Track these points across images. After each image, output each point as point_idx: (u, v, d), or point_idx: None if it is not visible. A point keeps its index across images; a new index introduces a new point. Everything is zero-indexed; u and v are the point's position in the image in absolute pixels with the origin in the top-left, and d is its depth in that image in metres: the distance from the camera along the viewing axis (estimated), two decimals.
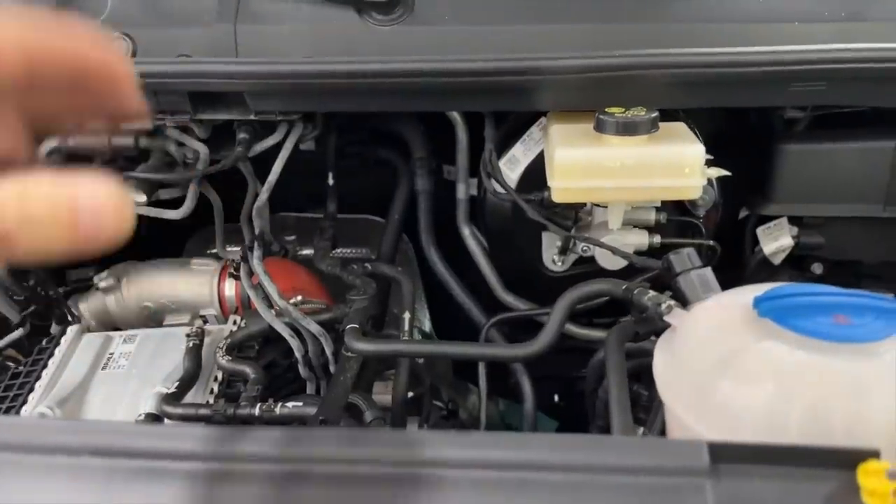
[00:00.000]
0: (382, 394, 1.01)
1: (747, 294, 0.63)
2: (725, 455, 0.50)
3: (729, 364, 0.59)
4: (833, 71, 0.85)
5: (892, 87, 0.87)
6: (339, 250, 1.32)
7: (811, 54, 0.84)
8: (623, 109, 0.83)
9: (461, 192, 1.11)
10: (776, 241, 1.04)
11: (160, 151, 0.95)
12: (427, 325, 1.38)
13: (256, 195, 1.00)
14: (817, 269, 1.09)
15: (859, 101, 0.91)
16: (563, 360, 1.11)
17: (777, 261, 1.07)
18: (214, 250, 1.21)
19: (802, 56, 0.84)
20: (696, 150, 0.80)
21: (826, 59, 0.84)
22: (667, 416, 0.66)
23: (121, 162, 0.97)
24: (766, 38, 0.87)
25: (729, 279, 1.17)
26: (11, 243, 0.29)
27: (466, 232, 1.13)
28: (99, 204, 0.30)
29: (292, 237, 1.29)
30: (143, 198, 0.93)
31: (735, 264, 1.14)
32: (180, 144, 0.97)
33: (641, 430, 0.90)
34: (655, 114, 0.82)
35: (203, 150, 0.95)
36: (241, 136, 0.94)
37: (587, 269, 1.05)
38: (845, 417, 0.53)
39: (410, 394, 1.00)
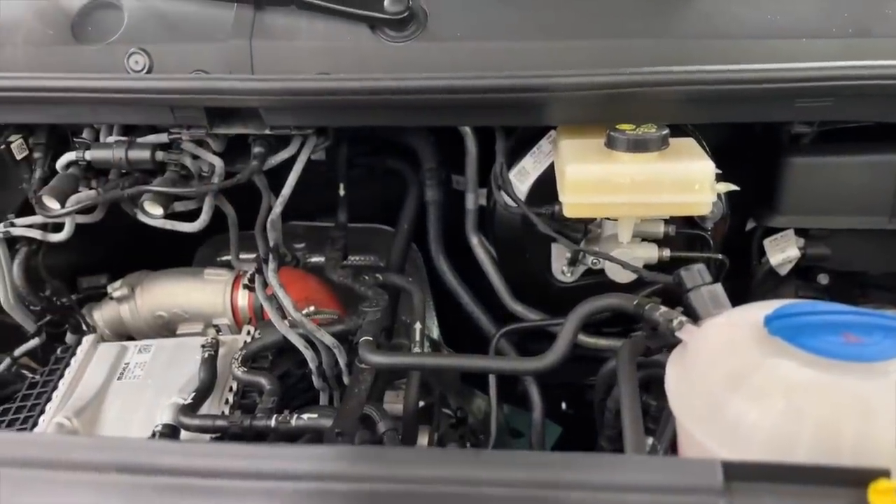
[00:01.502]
0: (393, 403, 1.03)
1: (757, 311, 0.64)
2: (739, 474, 0.51)
3: (739, 381, 0.60)
4: (840, 87, 0.86)
5: None
6: (349, 259, 1.33)
7: (818, 71, 0.86)
8: (634, 126, 0.84)
9: (470, 202, 1.13)
10: (783, 252, 1.05)
11: (176, 165, 0.96)
12: (436, 333, 1.39)
13: (270, 207, 1.01)
14: (823, 279, 1.10)
15: (865, 117, 0.93)
16: (572, 368, 1.12)
17: (783, 272, 1.08)
18: (225, 258, 1.22)
19: (809, 73, 0.85)
20: (706, 167, 0.82)
21: (833, 77, 0.86)
22: (678, 431, 0.67)
23: (137, 175, 0.98)
24: (773, 55, 0.88)
25: (736, 289, 1.19)
26: None
27: (475, 241, 1.15)
28: None
29: (302, 245, 1.31)
30: (159, 211, 0.95)
31: (742, 274, 1.15)
32: (196, 158, 0.98)
33: (651, 440, 0.92)
34: (666, 131, 0.84)
35: (219, 163, 0.97)
36: (257, 149, 0.95)
37: (596, 280, 1.06)
38: (854, 436, 0.54)
39: (421, 403, 1.02)
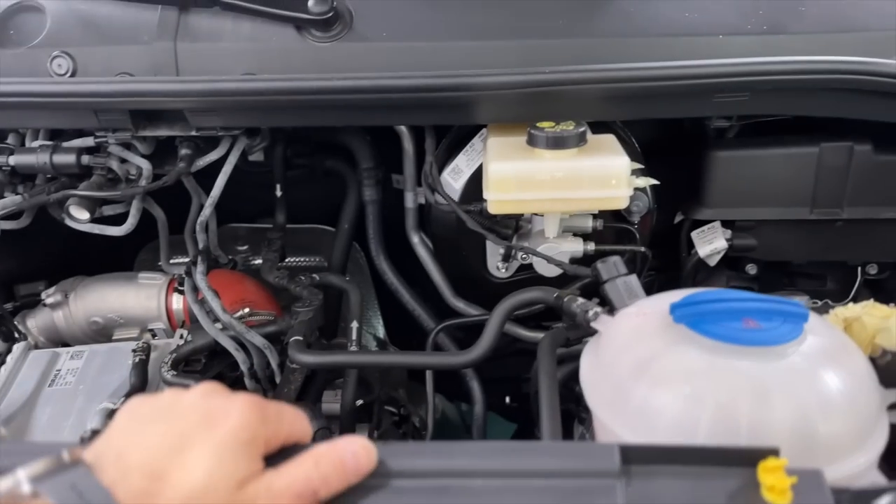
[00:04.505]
0: (332, 402, 1.03)
1: (666, 300, 0.66)
2: (635, 457, 0.52)
3: (646, 368, 0.62)
4: (755, 83, 0.89)
5: (813, 97, 0.92)
6: (291, 260, 1.33)
7: (735, 67, 0.88)
8: (553, 124, 0.86)
9: (409, 201, 1.14)
10: (710, 244, 1.08)
11: (102, 168, 0.96)
12: (381, 332, 1.40)
13: (202, 209, 1.01)
14: (751, 269, 1.13)
15: (781, 111, 0.95)
16: (516, 362, 1.14)
17: (712, 263, 1.11)
18: (177, 260, 1.21)
19: (726, 69, 0.88)
20: (621, 163, 0.84)
21: (749, 72, 0.88)
22: (593, 419, 0.68)
23: (64, 180, 0.97)
24: (691, 52, 0.91)
25: (670, 280, 1.22)
26: (318, 496, 0.47)
27: (416, 240, 1.16)
28: (355, 450, 0.50)
29: (245, 247, 1.30)
30: (85, 215, 0.94)
31: (674, 266, 1.18)
32: (123, 161, 0.97)
33: (581, 429, 0.94)
34: (584, 128, 0.85)
35: (146, 165, 0.96)
36: (183, 151, 0.95)
37: (531, 274, 1.07)
38: (750, 418, 0.56)
39: (360, 401, 1.02)
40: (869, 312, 0.68)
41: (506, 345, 1.13)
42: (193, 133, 0.93)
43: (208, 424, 0.46)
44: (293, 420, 0.51)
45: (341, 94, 0.86)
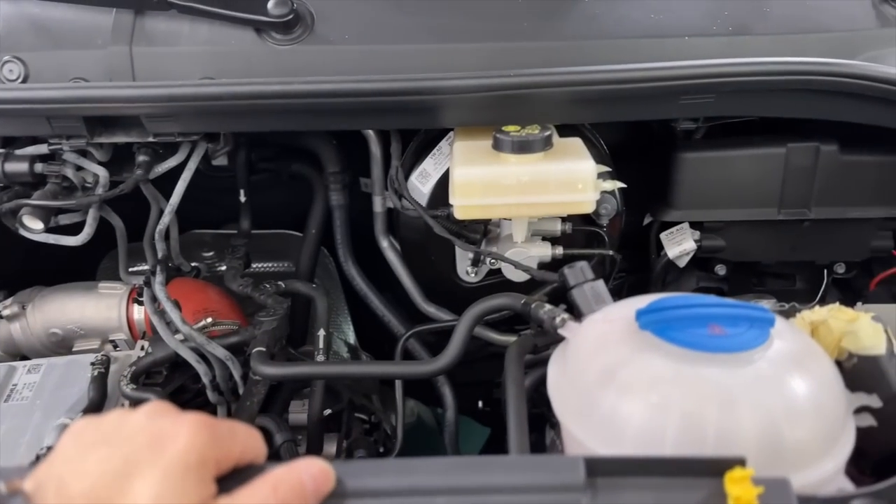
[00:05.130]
0: (299, 412, 1.01)
1: (633, 306, 0.65)
2: (601, 469, 0.51)
3: (612, 376, 0.61)
4: (721, 84, 0.88)
5: (778, 97, 0.92)
6: (258, 266, 1.31)
7: (700, 69, 0.88)
8: (518, 128, 0.85)
9: (377, 205, 1.12)
10: (679, 245, 1.08)
11: (57, 177, 0.93)
12: (352, 338, 1.38)
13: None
14: (720, 270, 1.13)
15: (747, 112, 0.95)
16: (489, 366, 1.13)
17: (682, 264, 1.11)
18: (131, 269, 1.19)
19: (692, 71, 0.88)
20: (587, 167, 0.83)
21: (714, 74, 0.88)
22: (561, 429, 0.67)
23: (17, 188, 0.94)
24: (656, 54, 0.91)
25: (640, 282, 1.22)
26: None
27: (385, 244, 1.14)
28: (313, 473, 0.48)
29: (210, 254, 1.28)
30: (39, 225, 0.91)
31: (644, 268, 1.18)
32: (79, 168, 0.94)
33: (552, 433, 0.93)
34: (549, 132, 0.84)
35: (103, 173, 0.94)
36: (141, 158, 0.93)
37: (500, 279, 1.06)
38: (717, 426, 0.56)
39: (328, 411, 1.00)
40: (835, 316, 0.68)
41: (478, 349, 1.12)
42: (151, 139, 0.90)
43: (155, 447, 0.44)
44: (246, 439, 0.49)
45: (303, 98, 0.84)
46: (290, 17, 0.87)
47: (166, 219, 0.95)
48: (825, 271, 1.12)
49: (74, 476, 0.44)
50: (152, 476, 0.43)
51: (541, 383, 0.85)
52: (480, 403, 1.31)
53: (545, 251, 0.96)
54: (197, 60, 0.89)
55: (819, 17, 0.98)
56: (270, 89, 0.84)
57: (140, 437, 0.45)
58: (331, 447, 1.01)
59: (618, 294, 1.16)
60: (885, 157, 1.01)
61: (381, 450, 1.10)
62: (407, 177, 1.04)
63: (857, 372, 0.66)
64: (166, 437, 0.45)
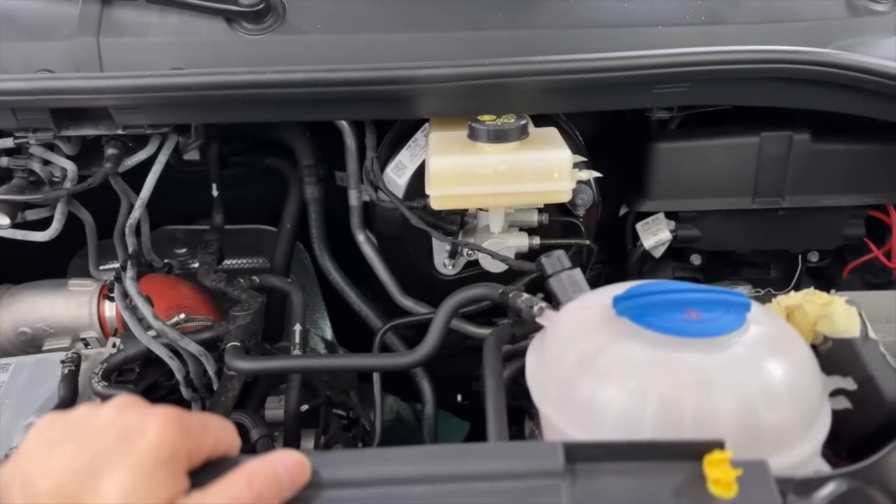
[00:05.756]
0: (276, 408, 1.00)
1: (610, 293, 0.65)
2: (580, 455, 0.51)
3: (590, 363, 0.61)
4: (694, 73, 0.89)
5: (751, 86, 0.92)
6: (232, 262, 1.29)
7: (674, 58, 0.88)
8: (494, 117, 0.84)
9: (353, 198, 1.11)
10: (655, 235, 1.08)
11: (24, 171, 0.91)
12: (329, 333, 1.37)
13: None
14: (696, 259, 1.14)
15: (720, 101, 0.96)
16: (467, 359, 1.12)
17: (658, 254, 1.12)
18: (103, 266, 1.16)
19: (665, 60, 0.88)
20: (563, 156, 0.83)
21: (688, 63, 0.88)
22: (540, 417, 0.67)
23: None
24: (630, 43, 0.90)
25: (616, 272, 1.22)
26: None
27: (361, 238, 1.13)
28: (289, 465, 0.47)
29: (183, 250, 1.26)
30: (6, 220, 0.89)
31: (621, 258, 1.18)
32: (46, 162, 0.92)
33: (531, 424, 0.92)
34: (525, 121, 0.84)
35: (71, 167, 0.92)
36: (110, 151, 0.91)
37: (478, 271, 1.06)
38: (694, 410, 0.56)
39: (305, 406, 0.99)
40: (810, 300, 0.68)
41: (456, 342, 1.12)
42: (120, 132, 0.88)
43: (124, 442, 0.43)
44: (218, 431, 0.48)
45: (274, 89, 0.83)
46: (261, 6, 0.86)
47: (136, 213, 0.93)
48: (799, 259, 1.12)
49: (40, 474, 0.42)
50: (121, 472, 0.42)
51: (519, 374, 0.85)
52: (459, 397, 1.30)
53: (522, 241, 0.96)
54: (166, 51, 0.88)
55: (791, 7, 0.98)
56: (241, 79, 0.82)
57: (108, 432, 0.44)
58: (308, 443, 0.99)
59: (595, 284, 1.15)
60: (856, 146, 1.03)
61: (360, 445, 1.09)
62: (382, 169, 1.03)
63: (832, 355, 0.66)
64: (135, 431, 0.44)
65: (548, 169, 0.82)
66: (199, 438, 0.47)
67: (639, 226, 1.09)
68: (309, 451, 0.49)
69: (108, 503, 0.41)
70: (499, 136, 0.82)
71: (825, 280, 1.17)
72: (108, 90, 0.82)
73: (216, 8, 0.86)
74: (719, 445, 0.51)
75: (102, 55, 0.87)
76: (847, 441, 0.66)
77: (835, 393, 0.64)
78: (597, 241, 1.08)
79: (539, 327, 0.72)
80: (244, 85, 0.82)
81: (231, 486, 0.45)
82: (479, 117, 0.85)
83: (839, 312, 0.66)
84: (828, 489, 0.52)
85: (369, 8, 0.91)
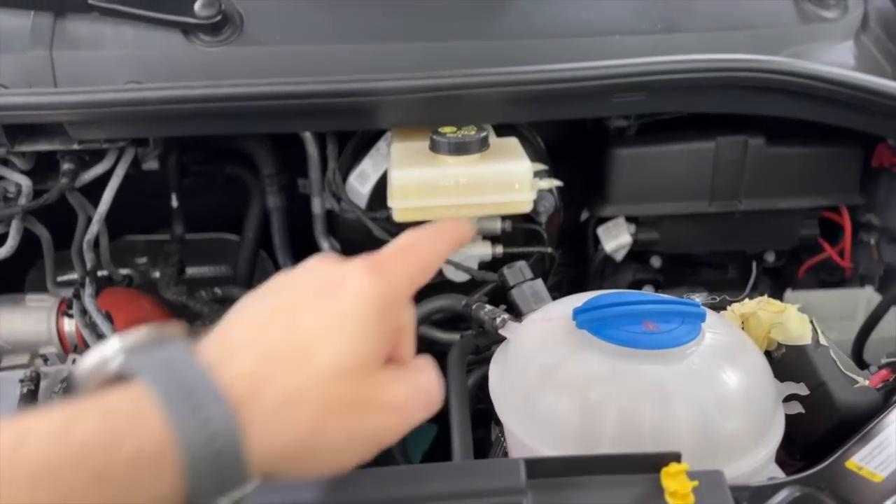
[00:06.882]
0: None
1: (570, 305, 0.66)
2: (540, 471, 0.52)
3: (551, 376, 0.62)
4: (651, 82, 0.90)
5: (706, 94, 0.94)
6: (194, 271, 1.28)
7: (630, 67, 0.89)
8: (455, 129, 0.85)
9: (316, 206, 1.11)
10: (615, 239, 1.10)
11: None
12: None
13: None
14: (656, 262, 1.16)
15: (677, 108, 0.97)
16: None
17: (619, 257, 1.13)
18: (62, 278, 1.14)
19: (622, 69, 0.89)
20: (524, 167, 0.83)
21: (644, 72, 0.89)
22: (504, 430, 0.68)
23: None
24: (588, 53, 0.91)
25: (579, 275, 1.23)
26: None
27: (326, 246, 1.13)
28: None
29: (143, 260, 1.24)
30: None
31: (584, 262, 1.19)
32: (0, 178, 0.90)
33: (497, 430, 0.93)
34: (485, 133, 0.85)
35: (25, 182, 0.90)
36: (66, 166, 0.89)
37: (441, 280, 1.06)
38: (651, 422, 0.57)
39: None
40: (764, 308, 0.70)
41: (423, 349, 1.12)
42: (76, 146, 0.87)
43: (329, 293, 0.40)
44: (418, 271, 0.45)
45: (233, 102, 0.82)
46: (218, 18, 0.85)
47: (94, 228, 0.92)
48: (755, 261, 1.15)
49: (237, 326, 0.39)
50: (332, 323, 0.39)
51: (484, 380, 0.86)
52: None
53: (485, 250, 0.96)
54: (122, 64, 0.86)
55: (744, 15, 1.01)
56: (198, 93, 0.82)
57: (310, 285, 0.41)
58: None
59: (558, 288, 1.18)
60: (810, 149, 1.05)
61: None
62: (346, 177, 1.03)
63: (785, 361, 0.68)
64: (337, 284, 0.41)
65: (509, 180, 0.83)
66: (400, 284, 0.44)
67: (600, 230, 1.10)
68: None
69: (328, 356, 0.38)
70: (460, 149, 0.83)
71: (782, 280, 1.20)
72: (63, 106, 0.81)
73: (171, 20, 0.85)
74: (676, 458, 0.52)
75: (56, 69, 0.86)
76: (801, 444, 0.68)
77: (788, 398, 0.66)
78: (559, 245, 1.09)
79: (502, 338, 0.73)
80: (202, 99, 0.81)
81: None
82: (440, 129, 0.86)
83: (792, 320, 0.68)
84: (781, 496, 0.54)
85: (328, 19, 0.91)
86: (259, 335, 0.39)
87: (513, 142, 0.90)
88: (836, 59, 1.01)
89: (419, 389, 0.44)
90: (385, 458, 1.14)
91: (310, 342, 0.38)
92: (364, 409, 0.40)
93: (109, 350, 0.37)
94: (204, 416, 0.34)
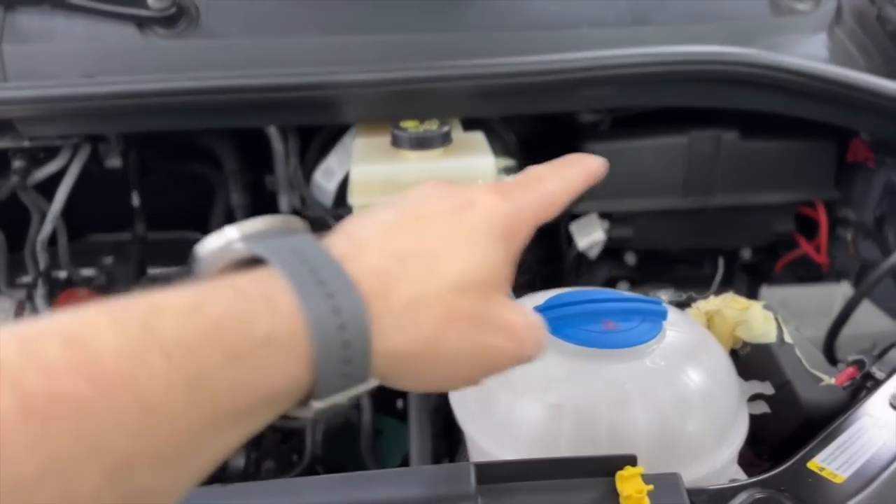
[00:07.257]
0: None
1: (533, 304, 0.64)
2: (491, 475, 0.50)
3: (507, 377, 0.59)
4: (619, 76, 0.88)
5: (677, 87, 0.92)
6: (157, 270, 1.25)
7: (599, 60, 0.87)
8: (417, 123, 0.83)
9: (284, 203, 1.08)
10: (588, 235, 1.08)
11: None
12: None
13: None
14: (630, 259, 1.14)
15: (648, 102, 0.96)
16: None
17: (593, 254, 1.11)
18: (25, 279, 1.12)
19: (590, 62, 0.87)
20: (487, 162, 0.81)
21: (613, 65, 0.88)
22: (464, 434, 0.66)
23: None
24: (556, 45, 0.89)
25: (553, 273, 1.22)
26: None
27: None
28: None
29: (109, 260, 1.21)
30: None
31: (557, 259, 1.18)
32: None
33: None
34: (447, 128, 0.83)
35: None
36: (17, 164, 0.87)
37: None
38: (609, 423, 0.55)
39: None
40: (729, 305, 0.68)
41: None
42: (26, 144, 0.84)
43: (459, 208, 0.40)
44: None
45: (188, 96, 0.80)
46: (173, 10, 0.83)
47: (48, 227, 0.89)
48: (732, 257, 1.14)
49: (365, 227, 0.39)
50: (462, 235, 0.39)
51: None
52: (400, 403, 1.29)
53: None
54: (74, 58, 0.84)
55: (715, 7, 0.99)
56: (152, 87, 0.79)
57: (436, 200, 0.41)
58: (238, 461, 0.96)
59: (531, 287, 1.16)
60: (783, 144, 1.04)
61: (295, 459, 1.06)
62: (312, 172, 1.00)
63: (750, 360, 0.67)
64: (464, 200, 0.41)
65: (471, 176, 0.81)
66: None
67: (572, 226, 1.09)
68: (236, 485, 0.47)
69: (456, 265, 0.38)
70: (421, 143, 0.81)
71: (758, 276, 1.19)
72: (12, 101, 0.79)
73: (125, 13, 0.83)
74: (631, 460, 0.50)
75: (6, 63, 0.83)
76: (768, 444, 0.66)
77: (754, 398, 0.64)
78: (533, 242, 1.07)
79: None
80: (156, 93, 0.79)
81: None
82: (401, 124, 0.83)
83: (756, 317, 0.66)
84: (740, 499, 0.52)
85: (288, 10, 0.88)
86: (389, 236, 0.38)
87: (478, 136, 0.88)
88: (809, 52, 1.00)
89: (534, 325, 0.43)
90: (355, 459, 1.12)
91: (440, 250, 0.38)
92: (485, 325, 0.39)
93: (232, 234, 0.36)
94: (335, 304, 0.33)
